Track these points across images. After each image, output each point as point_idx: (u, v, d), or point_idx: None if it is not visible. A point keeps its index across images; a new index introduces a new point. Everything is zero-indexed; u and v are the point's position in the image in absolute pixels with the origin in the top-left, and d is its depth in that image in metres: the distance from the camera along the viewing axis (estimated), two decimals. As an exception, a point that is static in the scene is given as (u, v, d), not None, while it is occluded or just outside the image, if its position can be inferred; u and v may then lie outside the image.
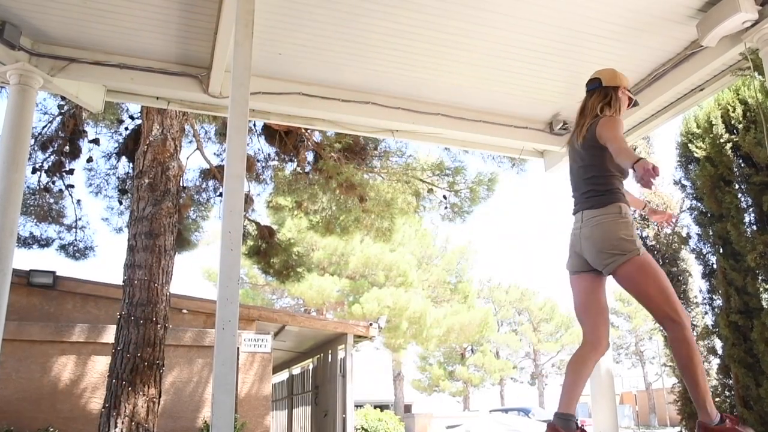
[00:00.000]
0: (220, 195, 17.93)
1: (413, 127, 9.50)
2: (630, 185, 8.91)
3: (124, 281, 13.15)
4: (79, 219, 18.77)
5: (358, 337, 23.71)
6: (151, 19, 7.54)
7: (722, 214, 13.45)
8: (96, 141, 16.99)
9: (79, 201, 18.45)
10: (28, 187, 16.87)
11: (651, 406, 69.31)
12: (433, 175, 18.74)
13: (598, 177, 5.80)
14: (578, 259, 5.96)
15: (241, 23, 6.11)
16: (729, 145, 13.42)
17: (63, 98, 14.64)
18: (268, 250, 19.35)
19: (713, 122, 13.86)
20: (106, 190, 18.70)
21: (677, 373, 18.09)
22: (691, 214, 15.25)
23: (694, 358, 5.42)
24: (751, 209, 13.15)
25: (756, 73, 8.12)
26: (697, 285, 17.65)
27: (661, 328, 5.62)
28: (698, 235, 14.99)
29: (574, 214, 6.03)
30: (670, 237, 19.05)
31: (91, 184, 18.54)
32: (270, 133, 16.91)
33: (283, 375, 32.92)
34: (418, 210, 19.25)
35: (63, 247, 19.03)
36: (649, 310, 5.68)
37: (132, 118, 17.00)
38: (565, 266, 6.32)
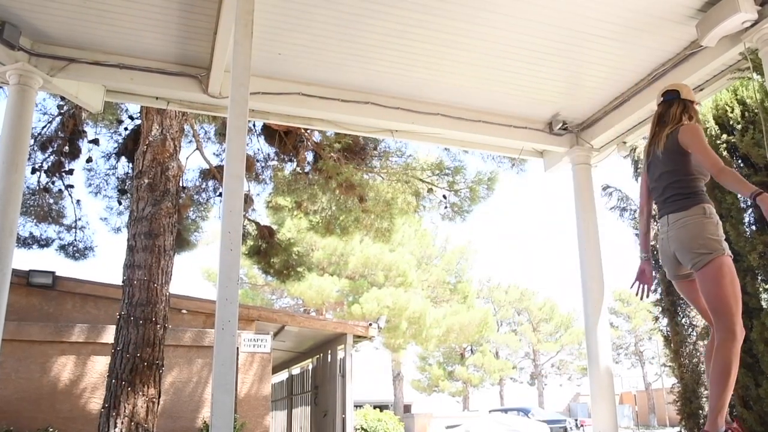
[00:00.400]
0: (220, 195, 17.92)
1: (413, 127, 9.51)
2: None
3: (123, 281, 13.14)
4: (79, 219, 18.77)
5: (358, 337, 23.70)
6: (150, 19, 7.54)
7: (722, 215, 13.43)
8: (95, 141, 16.99)
9: (78, 201, 18.46)
10: (27, 187, 16.86)
11: (650, 406, 69.33)
12: (433, 174, 18.73)
13: (681, 181, 6.02)
14: (673, 263, 6.15)
15: (240, 23, 6.12)
16: (727, 145, 13.42)
17: (62, 98, 14.64)
18: (267, 250, 19.35)
19: (710, 123, 13.86)
20: (105, 190, 18.70)
21: (676, 373, 18.10)
22: (691, 214, 15.24)
23: (730, 372, 5.70)
24: (750, 210, 13.15)
25: (755, 73, 8.11)
26: (697, 285, 17.61)
27: (714, 331, 5.99)
28: (698, 235, 14.97)
29: (659, 219, 6.23)
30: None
31: (90, 185, 18.54)
32: (269, 133, 16.92)
33: (283, 375, 32.90)
34: (417, 210, 19.25)
35: (63, 248, 19.03)
36: (713, 311, 5.83)
37: (131, 118, 16.99)
38: (667, 276, 6.69)
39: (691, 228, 5.78)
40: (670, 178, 6.06)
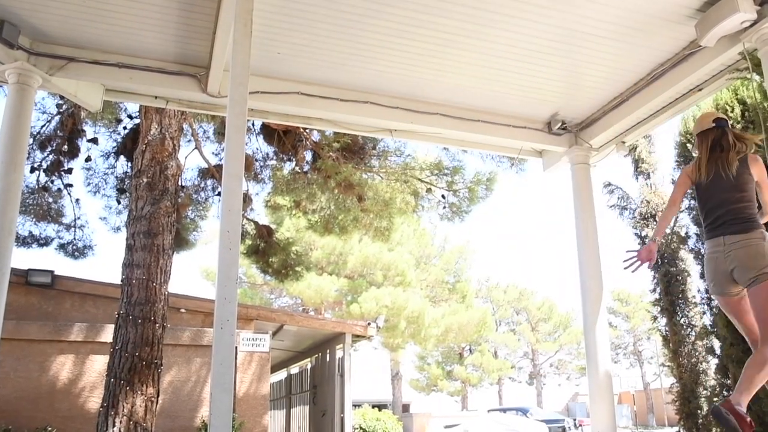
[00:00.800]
0: (219, 194, 17.94)
1: (412, 127, 9.51)
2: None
3: (122, 280, 13.14)
4: (78, 218, 18.78)
5: (357, 337, 23.71)
6: (149, 18, 7.55)
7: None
8: (94, 140, 16.99)
9: (77, 200, 18.46)
10: (26, 186, 16.87)
11: (649, 406, 69.45)
12: (432, 174, 18.73)
13: (746, 206, 6.43)
14: (727, 280, 6.46)
15: (239, 22, 6.12)
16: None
17: (62, 97, 14.64)
18: (266, 250, 19.35)
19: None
20: (104, 189, 18.70)
21: (675, 373, 18.14)
22: (689, 214, 15.28)
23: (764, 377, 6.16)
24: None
25: (754, 74, 8.12)
26: (696, 285, 17.72)
27: (761, 344, 6.24)
28: (697, 234, 15.04)
29: (710, 238, 6.61)
30: (670, 236, 19.09)
31: (89, 184, 18.54)
32: (268, 132, 16.91)
33: (282, 374, 32.92)
34: (416, 209, 19.24)
35: (62, 246, 19.04)
36: (761, 326, 6.19)
37: (130, 117, 16.99)
38: (711, 292, 6.98)
39: (753, 249, 6.19)
40: (737, 202, 6.43)
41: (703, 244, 14.75)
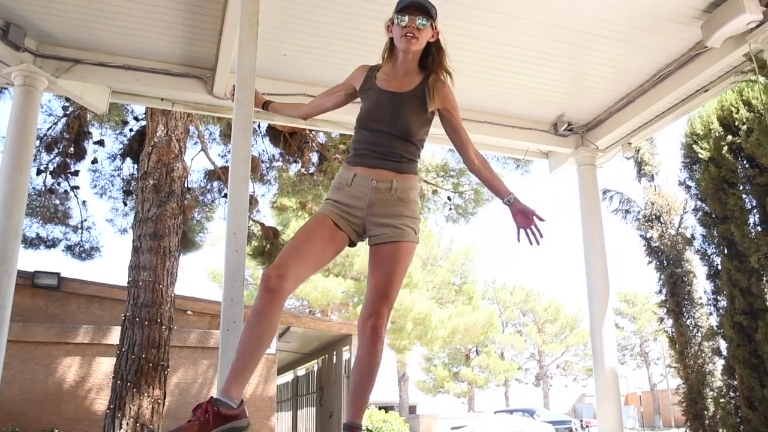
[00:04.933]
0: (225, 196, 17.94)
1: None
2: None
3: (128, 282, 13.15)
4: (85, 220, 18.80)
5: (364, 338, 23.68)
6: (155, 20, 7.56)
7: (726, 216, 13.46)
8: (101, 142, 17.02)
9: (84, 202, 18.49)
10: (33, 188, 16.89)
11: (656, 407, 69.30)
12: (438, 176, 18.75)
13: None
14: None
15: (245, 24, 6.12)
16: (731, 146, 13.43)
17: (68, 99, 14.67)
18: (272, 251, 19.34)
19: (715, 124, 13.87)
20: (110, 191, 18.71)
21: (681, 374, 18.12)
22: (695, 215, 15.27)
23: None
24: (755, 210, 13.16)
25: (760, 75, 8.11)
26: (702, 286, 17.70)
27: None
28: (703, 236, 15.00)
29: None
30: (675, 238, 19.07)
31: (96, 186, 18.55)
32: (274, 134, 16.92)
33: (288, 376, 32.90)
34: (422, 211, 19.23)
35: (69, 248, 19.07)
36: None
37: (136, 119, 17.01)
38: None
39: None
40: None
41: (708, 244, 14.76)
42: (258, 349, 4.18)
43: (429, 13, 4.73)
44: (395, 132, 4.72)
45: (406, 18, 4.67)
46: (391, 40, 4.90)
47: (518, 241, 4.64)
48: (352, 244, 4.64)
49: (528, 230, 4.67)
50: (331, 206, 4.56)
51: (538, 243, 4.63)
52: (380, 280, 4.48)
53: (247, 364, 4.17)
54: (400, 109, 4.76)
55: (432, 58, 5.02)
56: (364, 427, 4.85)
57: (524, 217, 4.66)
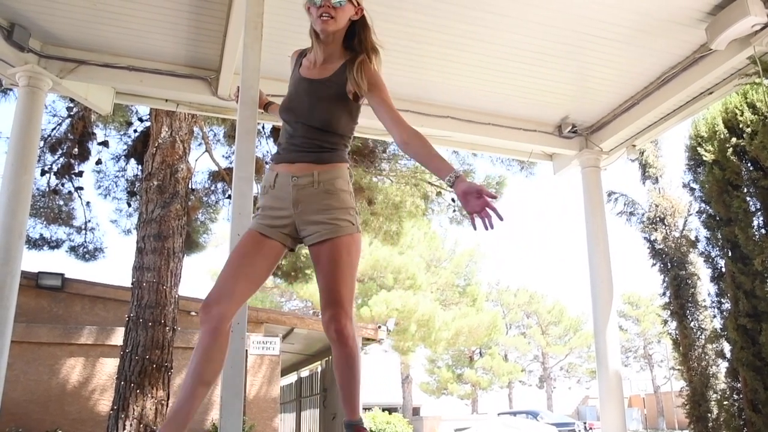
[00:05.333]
0: (229, 197, 17.94)
1: (422, 130, 9.39)
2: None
3: (132, 283, 13.15)
4: (89, 221, 18.80)
5: (367, 340, 23.72)
6: (160, 21, 7.56)
7: (730, 218, 13.43)
8: (105, 143, 17.02)
9: (88, 203, 18.49)
10: (37, 189, 16.90)
11: (659, 409, 69.21)
12: (442, 178, 18.74)
13: None
14: None
15: (250, 26, 6.12)
16: (736, 149, 13.41)
17: (72, 100, 14.67)
18: (276, 252, 19.35)
19: (720, 126, 13.85)
20: (114, 192, 18.73)
21: (685, 376, 18.10)
22: (699, 218, 15.24)
23: None
24: (759, 213, 13.13)
25: (764, 78, 8.10)
26: (706, 288, 17.68)
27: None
28: (707, 238, 14.98)
29: None
30: (679, 240, 19.05)
31: (100, 186, 18.57)
32: (279, 135, 16.92)
33: (292, 377, 32.94)
34: (426, 213, 19.27)
35: (73, 249, 19.07)
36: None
37: (141, 120, 17.01)
38: None
39: None
40: None
41: (712, 247, 14.74)
42: (200, 385, 4.00)
43: None
44: (313, 123, 4.44)
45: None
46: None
47: (474, 228, 3.86)
48: (291, 248, 4.42)
49: (482, 213, 3.83)
50: (258, 218, 4.37)
51: (492, 227, 3.78)
52: (327, 283, 4.28)
53: (187, 402, 3.95)
54: (316, 98, 4.47)
55: (358, 38, 4.59)
56: (368, 429, 4.74)
57: (474, 198, 3.83)
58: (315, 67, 4.54)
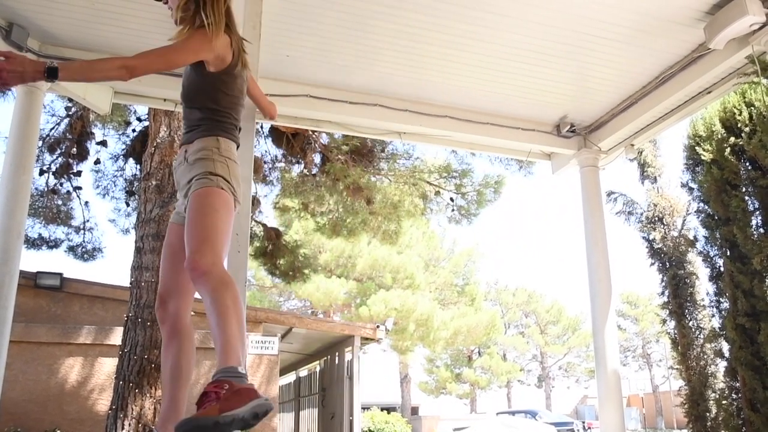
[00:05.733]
0: (228, 197, 17.93)
1: (420, 129, 9.51)
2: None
3: (131, 283, 13.15)
4: (87, 221, 18.81)
5: (365, 340, 23.70)
6: (158, 21, 7.56)
7: (729, 218, 13.46)
8: (103, 143, 17.03)
9: (86, 203, 18.50)
10: (36, 188, 16.90)
11: (658, 408, 69.23)
12: (440, 177, 18.74)
13: None
14: None
15: (248, 25, 6.13)
16: (734, 148, 13.42)
17: (70, 100, 14.67)
18: (274, 252, 19.36)
19: (718, 126, 13.86)
20: (113, 191, 18.73)
21: (684, 375, 18.12)
22: (698, 217, 15.27)
23: None
24: (757, 212, 13.16)
25: (763, 77, 8.11)
26: (704, 288, 17.71)
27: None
28: (705, 237, 15.00)
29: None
30: (678, 240, 19.07)
31: (98, 186, 18.57)
32: (277, 135, 16.92)
33: (291, 377, 32.92)
34: (425, 212, 19.25)
35: (71, 249, 19.08)
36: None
37: (139, 119, 17.02)
38: None
39: None
40: None
41: (711, 246, 14.76)
42: (186, 384, 4.14)
43: None
44: (184, 102, 4.60)
45: None
46: None
47: None
48: None
49: None
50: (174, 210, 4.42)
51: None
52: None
53: (180, 404, 4.09)
54: (184, 77, 4.63)
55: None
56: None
57: None
58: None
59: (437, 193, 18.63)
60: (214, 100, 4.51)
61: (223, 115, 4.54)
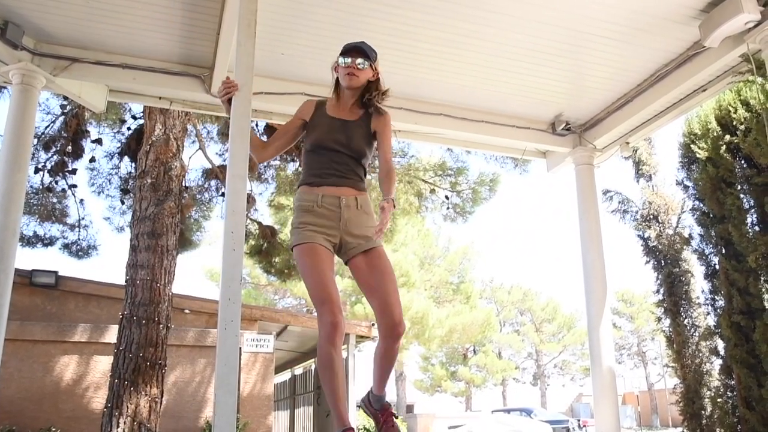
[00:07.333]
0: (223, 195, 17.94)
1: (416, 128, 9.51)
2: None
3: (126, 281, 13.15)
4: (82, 218, 18.81)
5: (361, 338, 23.73)
6: (153, 19, 7.55)
7: (724, 216, 13.46)
8: (98, 141, 17.02)
9: (81, 200, 18.49)
10: (31, 186, 16.89)
11: (653, 406, 69.31)
12: (436, 175, 18.76)
13: None
14: None
15: (243, 23, 6.11)
16: (729, 146, 13.43)
17: (65, 98, 14.65)
18: (269, 250, 19.37)
19: (713, 124, 13.86)
20: (108, 189, 18.74)
21: (679, 373, 18.14)
22: (693, 215, 15.27)
23: None
24: (753, 210, 13.16)
25: (758, 75, 8.11)
26: (700, 286, 17.70)
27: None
28: (700, 235, 15.01)
29: None
30: (673, 237, 19.07)
31: (93, 184, 18.58)
32: (272, 132, 16.89)
33: (286, 375, 32.91)
34: (420, 210, 19.28)
35: (66, 246, 19.07)
36: None
37: (134, 117, 17.01)
38: None
39: None
40: None
41: (706, 244, 14.76)
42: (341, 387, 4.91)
43: (368, 56, 5.25)
44: (351, 153, 5.19)
45: (349, 59, 5.19)
46: (337, 79, 5.35)
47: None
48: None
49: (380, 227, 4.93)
50: (311, 231, 4.98)
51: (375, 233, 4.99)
52: (379, 289, 5.01)
53: (339, 401, 4.85)
54: (352, 132, 5.21)
55: (371, 93, 5.34)
56: (362, 427, 5.07)
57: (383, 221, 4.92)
58: (343, 111, 5.32)
59: (432, 191, 18.65)
60: (368, 164, 5.47)
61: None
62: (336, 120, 5.23)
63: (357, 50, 5.22)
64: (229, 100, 5.59)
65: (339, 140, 5.14)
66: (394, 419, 5.35)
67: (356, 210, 5.08)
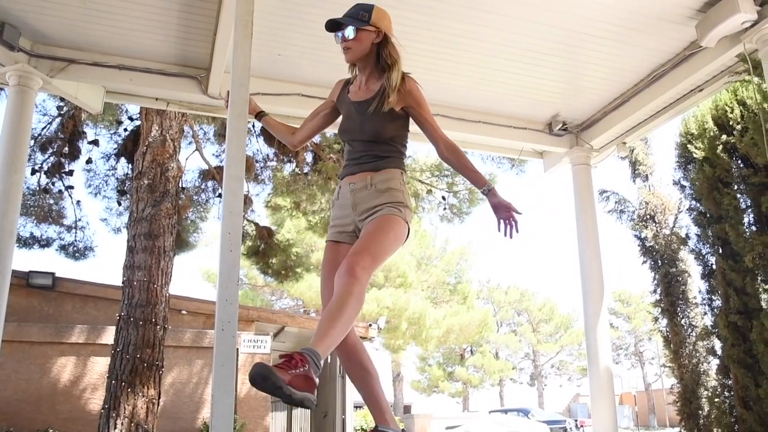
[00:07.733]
0: (219, 196, 17.94)
1: (412, 128, 9.49)
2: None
3: (123, 282, 13.15)
4: (79, 220, 18.79)
5: (358, 338, 23.71)
6: (149, 20, 7.55)
7: (721, 215, 13.45)
8: (95, 142, 17.01)
9: (78, 202, 18.48)
10: (27, 188, 16.89)
11: (650, 406, 69.32)
12: (432, 176, 18.75)
13: None
14: None
15: (240, 24, 6.11)
16: (726, 146, 13.42)
17: (62, 99, 14.65)
18: (266, 251, 19.37)
19: (710, 123, 13.86)
20: (105, 191, 18.72)
21: (676, 373, 18.14)
22: (690, 215, 15.27)
23: None
24: (749, 210, 13.15)
25: (754, 75, 8.11)
26: (697, 285, 17.69)
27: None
28: (697, 235, 15.00)
29: None
30: (670, 237, 19.08)
31: (90, 185, 18.56)
32: (269, 134, 16.87)
33: (283, 376, 32.86)
34: (416, 211, 19.25)
35: (63, 248, 19.05)
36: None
37: (131, 119, 17.00)
38: None
39: None
40: None
41: (703, 244, 14.75)
42: (372, 380, 4.78)
43: (355, 21, 4.91)
44: (365, 137, 4.91)
45: (335, 36, 5.02)
46: None
47: (498, 230, 4.70)
48: None
49: (506, 222, 4.72)
50: (330, 228, 4.89)
51: (511, 237, 4.71)
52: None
53: (374, 398, 4.77)
54: (365, 116, 4.88)
55: (381, 57, 5.03)
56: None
57: (504, 210, 4.71)
58: (360, 90, 5.05)
59: (429, 191, 18.65)
60: (400, 135, 5.14)
61: (402, 148, 5.17)
62: (352, 105, 5.05)
63: (336, 24, 4.97)
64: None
65: (351, 128, 5.01)
66: None
67: (366, 190, 4.76)
